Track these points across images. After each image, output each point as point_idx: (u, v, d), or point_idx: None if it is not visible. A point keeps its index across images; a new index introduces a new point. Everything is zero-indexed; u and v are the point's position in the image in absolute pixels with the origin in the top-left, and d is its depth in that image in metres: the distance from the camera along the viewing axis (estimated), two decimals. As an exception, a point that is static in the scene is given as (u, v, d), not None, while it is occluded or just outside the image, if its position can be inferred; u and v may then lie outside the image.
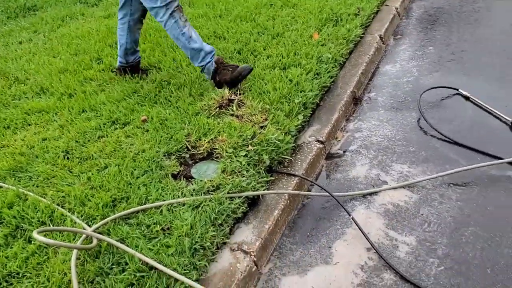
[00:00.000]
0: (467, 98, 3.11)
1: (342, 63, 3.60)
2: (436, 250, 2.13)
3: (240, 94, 3.05)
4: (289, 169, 2.65)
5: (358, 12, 4.13)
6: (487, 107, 2.96)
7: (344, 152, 2.90)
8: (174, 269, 1.99)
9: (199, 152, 2.67)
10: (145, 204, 2.34)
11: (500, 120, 2.86)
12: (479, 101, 3.02)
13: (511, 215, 2.23)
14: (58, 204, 2.38)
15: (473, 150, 2.65)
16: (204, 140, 2.70)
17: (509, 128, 2.79)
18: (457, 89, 3.16)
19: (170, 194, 2.38)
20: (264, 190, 2.46)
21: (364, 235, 2.23)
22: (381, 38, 3.98)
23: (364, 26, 4.06)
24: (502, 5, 4.36)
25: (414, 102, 3.18)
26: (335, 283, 2.07)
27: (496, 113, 2.90)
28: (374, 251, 2.17)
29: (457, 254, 2.09)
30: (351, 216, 2.35)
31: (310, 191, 2.66)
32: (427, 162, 2.65)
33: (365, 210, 2.43)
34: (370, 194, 2.52)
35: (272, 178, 2.56)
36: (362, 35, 3.94)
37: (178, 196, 2.36)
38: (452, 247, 2.13)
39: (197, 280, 2.01)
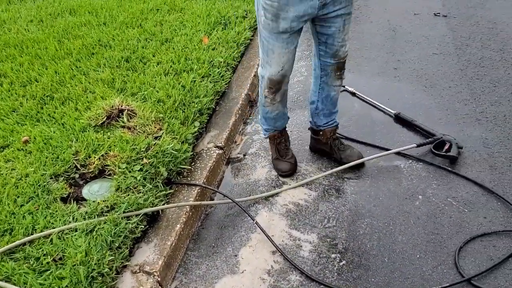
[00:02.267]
0: (353, 94, 3.26)
1: (234, 67, 3.59)
2: (337, 245, 2.19)
3: (130, 104, 2.90)
4: (189, 179, 2.57)
5: (246, 14, 4.15)
6: (372, 101, 3.12)
7: (244, 155, 2.89)
8: (71, 303, 1.83)
9: (90, 170, 2.49)
10: (32, 234, 2.12)
11: (384, 112, 3.03)
12: (364, 96, 3.18)
13: (401, 203, 2.37)
14: None
15: (362, 143, 2.78)
16: (94, 157, 2.52)
17: (393, 120, 2.97)
18: (343, 86, 3.30)
19: (60, 220, 2.18)
20: (163, 204, 2.36)
21: (269, 238, 2.23)
22: (270, 39, 4.04)
23: (253, 28, 4.09)
24: (379, 2, 4.66)
25: (305, 101, 3.26)
26: (243, 292, 2.04)
27: (380, 106, 3.07)
28: (279, 253, 2.18)
29: (356, 246, 2.17)
30: (254, 221, 2.34)
31: (213, 200, 2.61)
32: (322, 159, 2.73)
33: (268, 213, 2.43)
34: (272, 195, 2.53)
35: (172, 191, 2.47)
36: (252, 38, 3.97)
37: (69, 222, 2.18)
38: (351, 240, 2.20)
39: (97, 311, 1.87)
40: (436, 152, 2.59)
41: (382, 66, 3.53)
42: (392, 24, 4.21)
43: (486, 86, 3.14)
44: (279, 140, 2.70)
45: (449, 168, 2.51)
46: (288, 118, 2.73)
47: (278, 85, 2.39)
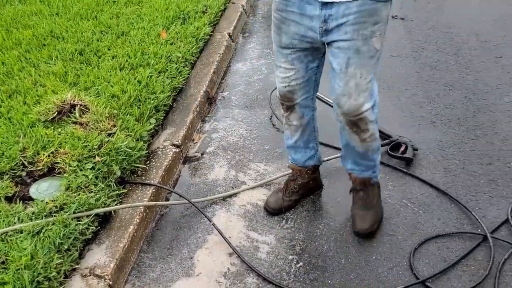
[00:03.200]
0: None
1: (193, 62, 3.51)
2: (294, 247, 2.17)
3: (83, 99, 2.78)
4: (143, 178, 2.49)
5: (206, 9, 4.08)
6: (329, 101, 3.12)
7: (202, 154, 2.83)
8: (13, 310, 1.72)
9: (38, 168, 2.36)
10: (-29, 236, 1.99)
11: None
12: (322, 96, 3.18)
13: (358, 204, 2.38)
14: None
15: (321, 144, 2.77)
16: (43, 154, 2.39)
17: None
18: None
19: (3, 221, 2.05)
20: (116, 204, 2.27)
21: (226, 240, 2.19)
22: (230, 36, 3.98)
23: (213, 24, 4.02)
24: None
25: (266, 100, 3.24)
26: (199, 295, 1.99)
27: None
28: (236, 256, 2.14)
29: (313, 248, 2.16)
30: (211, 223, 2.29)
31: (168, 200, 2.53)
32: (281, 159, 2.70)
33: (225, 214, 2.38)
34: (230, 196, 2.48)
35: (125, 191, 2.38)
36: (211, 33, 3.91)
37: (14, 223, 2.05)
38: (309, 242, 2.19)
39: (42, 318, 1.77)
40: (392, 153, 2.61)
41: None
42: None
43: (441, 89, 3.21)
44: (293, 176, 2.36)
45: (405, 170, 2.54)
46: (318, 159, 2.35)
47: (288, 102, 2.10)
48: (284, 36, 1.89)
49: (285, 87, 2.04)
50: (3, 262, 1.90)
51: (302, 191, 2.38)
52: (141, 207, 2.29)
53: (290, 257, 2.13)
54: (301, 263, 2.10)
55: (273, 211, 2.35)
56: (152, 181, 2.45)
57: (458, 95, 3.13)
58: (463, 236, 2.16)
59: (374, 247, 2.15)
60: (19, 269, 1.85)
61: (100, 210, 2.16)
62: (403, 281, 1.98)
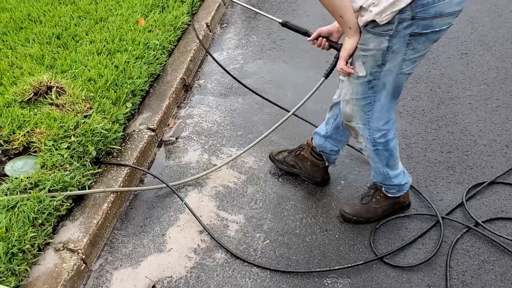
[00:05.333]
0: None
1: (170, 50, 3.58)
2: (262, 226, 2.28)
3: (59, 81, 2.82)
4: (119, 159, 2.55)
5: (185, -1, 4.13)
6: (259, 11, 2.71)
7: (177, 138, 2.90)
8: (-13, 279, 1.78)
9: (14, 147, 2.40)
10: None
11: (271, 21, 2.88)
12: (248, 6, 2.91)
13: (324, 187, 2.49)
14: None
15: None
16: (19, 134, 2.44)
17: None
18: None
19: (-22, 196, 2.10)
20: (91, 183, 2.33)
21: (197, 218, 2.28)
22: (208, 26, 4.05)
23: (191, 14, 4.08)
24: (315, -1, 4.79)
25: (240, 89, 3.32)
26: (169, 269, 2.08)
27: (267, 15, 2.50)
28: (207, 233, 2.23)
29: (280, 226, 2.27)
30: (183, 202, 2.37)
31: (143, 181, 2.60)
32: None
33: (197, 194, 2.47)
34: (202, 178, 2.57)
35: (100, 170, 2.44)
36: (189, 23, 3.97)
37: (-11, 198, 2.10)
38: (276, 221, 2.30)
39: (17, 287, 1.83)
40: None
41: (315, 58, 3.65)
42: (327, 19, 4.36)
43: (408, 82, 3.35)
44: (303, 146, 2.53)
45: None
46: (327, 154, 2.39)
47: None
48: None
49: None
50: (-22, 235, 1.95)
51: (298, 162, 2.51)
52: (115, 186, 2.36)
53: (258, 235, 2.23)
54: (268, 241, 2.20)
55: (270, 157, 2.60)
56: (127, 162, 2.52)
57: (424, 88, 3.27)
58: (421, 218, 2.29)
59: (337, 226, 2.27)
60: (-6, 241, 1.90)
61: (74, 193, 2.21)
62: (363, 257, 2.11)
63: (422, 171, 2.56)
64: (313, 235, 2.23)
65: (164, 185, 2.47)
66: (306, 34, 2.14)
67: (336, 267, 2.06)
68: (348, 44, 1.83)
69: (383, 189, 2.27)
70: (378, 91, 1.90)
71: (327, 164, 2.46)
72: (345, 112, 2.04)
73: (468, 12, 4.22)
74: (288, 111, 2.59)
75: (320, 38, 2.07)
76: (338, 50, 1.95)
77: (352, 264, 2.06)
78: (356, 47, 1.81)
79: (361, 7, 1.71)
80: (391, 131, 2.07)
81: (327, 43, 2.07)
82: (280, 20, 2.22)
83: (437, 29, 1.71)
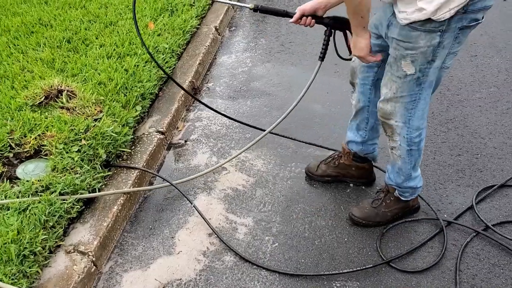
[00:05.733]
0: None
1: (179, 54, 3.60)
2: (271, 229, 2.28)
3: (70, 85, 2.85)
4: (128, 162, 2.57)
5: (194, 3, 4.16)
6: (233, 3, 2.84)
7: (186, 141, 2.92)
8: (0, 280, 1.80)
9: (25, 150, 2.43)
10: (-41, 212, 2.06)
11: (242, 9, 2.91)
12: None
13: (333, 190, 2.49)
14: None
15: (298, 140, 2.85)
16: (30, 137, 2.46)
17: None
18: None
19: (-9, 198, 2.13)
20: (101, 185, 2.35)
21: (206, 221, 2.29)
22: (216, 29, 4.07)
23: (200, 17, 4.11)
24: None
25: (249, 92, 3.33)
26: (178, 272, 2.09)
27: (238, 4, 2.62)
28: (215, 236, 2.24)
29: (289, 230, 2.27)
30: (192, 204, 2.38)
31: (152, 183, 2.62)
32: (261, 147, 2.81)
33: (206, 197, 2.48)
34: (211, 180, 2.58)
35: (110, 173, 2.46)
36: (198, 26, 3.99)
37: (1, 200, 2.13)
38: (285, 224, 2.30)
39: (28, 289, 1.86)
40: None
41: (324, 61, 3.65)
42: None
43: (417, 85, 3.34)
44: (340, 153, 2.50)
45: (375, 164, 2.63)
46: (364, 152, 2.39)
47: (350, 77, 2.28)
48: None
49: (353, 61, 2.18)
50: (-10, 237, 1.97)
51: (341, 171, 2.48)
52: (125, 188, 2.37)
53: (267, 238, 2.24)
54: (276, 244, 2.21)
55: (309, 174, 2.55)
56: (137, 165, 2.53)
57: (433, 90, 3.26)
58: (430, 221, 2.28)
59: (346, 230, 2.27)
60: (5, 243, 1.93)
61: (84, 196, 2.23)
62: (371, 260, 2.10)
63: (431, 174, 2.55)
64: (322, 238, 2.23)
65: (173, 186, 2.47)
66: (287, 15, 2.08)
67: (345, 270, 2.06)
68: (363, 43, 1.88)
69: (396, 192, 2.25)
70: (425, 88, 1.90)
71: (373, 163, 2.48)
72: (385, 111, 2.00)
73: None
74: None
75: (305, 18, 2.05)
76: (329, 26, 1.98)
77: (361, 268, 2.06)
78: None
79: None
80: (425, 130, 2.08)
81: (313, 20, 2.06)
82: (251, 6, 2.14)
83: (480, 21, 1.76)
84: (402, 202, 2.27)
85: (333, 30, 2.07)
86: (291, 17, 2.07)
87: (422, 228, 2.26)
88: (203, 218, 2.30)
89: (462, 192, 2.43)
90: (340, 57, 2.13)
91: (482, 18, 1.76)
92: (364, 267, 2.06)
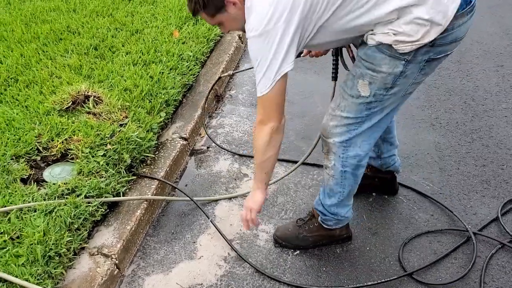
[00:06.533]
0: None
1: (203, 61, 3.64)
2: (292, 236, 2.28)
3: (96, 91, 2.91)
4: (152, 167, 2.61)
5: (218, 11, 4.21)
6: None
7: (208, 148, 2.95)
8: (26, 280, 1.84)
9: (52, 153, 2.49)
10: (-11, 213, 2.12)
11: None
12: None
13: (355, 199, 2.42)
14: None
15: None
16: (57, 141, 2.52)
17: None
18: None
19: (19, 200, 2.19)
20: (125, 190, 2.39)
21: (222, 236, 2.27)
22: (240, 38, 4.11)
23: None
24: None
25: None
26: (199, 277, 2.10)
27: None
28: (237, 241, 2.25)
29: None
30: (210, 219, 2.34)
31: (175, 189, 2.64)
32: (284, 154, 2.81)
33: (227, 203, 2.50)
34: (233, 186, 2.60)
35: (134, 178, 2.50)
36: (221, 34, 4.03)
37: (29, 202, 2.18)
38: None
39: (53, 290, 1.90)
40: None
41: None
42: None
43: (442, 94, 3.31)
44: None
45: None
46: (380, 163, 2.34)
47: None
48: None
49: None
50: (18, 237, 2.02)
51: (364, 181, 2.14)
52: (148, 194, 2.41)
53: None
54: (297, 252, 2.20)
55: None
56: (159, 170, 2.57)
57: (458, 100, 3.22)
58: (453, 233, 2.25)
59: (368, 238, 2.25)
60: (32, 244, 1.97)
61: (108, 200, 2.27)
62: (394, 271, 2.08)
63: (455, 185, 2.52)
64: (344, 246, 2.21)
65: (194, 202, 2.45)
66: (298, 55, 2.04)
67: (369, 283, 2.03)
68: (260, 197, 1.91)
69: (319, 218, 2.13)
70: (373, 114, 1.79)
71: (395, 174, 2.44)
72: (325, 127, 1.88)
73: (504, 24, 4.15)
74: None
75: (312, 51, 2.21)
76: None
77: (385, 280, 2.02)
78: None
79: (375, 24, 1.62)
80: (366, 157, 1.92)
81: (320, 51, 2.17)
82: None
83: (449, 53, 1.69)
84: (326, 230, 2.15)
85: (339, 49, 2.07)
86: (300, 54, 2.21)
87: (446, 238, 2.23)
88: (220, 233, 2.26)
89: (487, 203, 2.39)
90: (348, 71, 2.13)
91: (454, 50, 1.70)
92: (387, 279, 2.02)
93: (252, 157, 2.76)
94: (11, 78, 3.13)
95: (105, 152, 2.46)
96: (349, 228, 2.22)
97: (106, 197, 2.28)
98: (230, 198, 2.53)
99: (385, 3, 1.56)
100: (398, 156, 2.36)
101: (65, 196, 2.22)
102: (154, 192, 2.44)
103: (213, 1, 1.71)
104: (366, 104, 1.76)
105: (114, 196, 2.32)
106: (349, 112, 1.80)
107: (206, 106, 3.18)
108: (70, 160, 2.47)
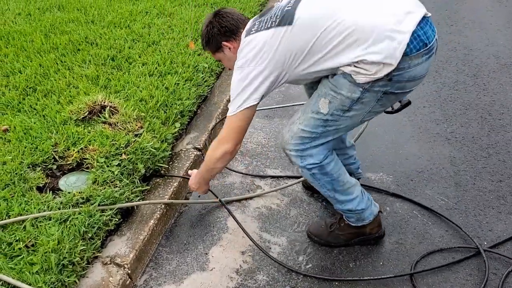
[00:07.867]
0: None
1: (218, 73, 3.67)
2: (306, 249, 2.27)
3: (112, 101, 2.95)
4: (166, 177, 2.62)
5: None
6: None
7: (221, 159, 2.95)
8: (39, 288, 1.87)
9: (68, 162, 2.52)
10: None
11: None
12: None
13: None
14: None
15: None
16: (73, 150, 2.56)
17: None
18: None
19: (34, 208, 2.21)
20: (139, 200, 2.41)
21: (245, 232, 2.29)
22: (255, 49, 4.13)
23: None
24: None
25: (285, 111, 3.36)
26: (211, 288, 2.10)
27: None
28: (249, 254, 2.25)
29: (323, 251, 2.25)
30: (230, 214, 2.39)
31: (187, 199, 2.66)
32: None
33: (240, 215, 2.50)
34: (245, 199, 2.60)
35: (148, 187, 2.52)
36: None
37: (44, 210, 2.21)
38: (319, 245, 2.28)
39: (66, 298, 1.91)
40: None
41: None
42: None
43: (458, 108, 3.28)
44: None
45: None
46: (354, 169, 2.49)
47: None
48: None
49: None
50: (32, 245, 2.05)
51: None
52: (162, 204, 2.42)
53: (300, 258, 2.22)
54: (310, 265, 2.19)
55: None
56: (174, 179, 2.58)
57: (473, 114, 3.19)
58: (468, 250, 2.21)
59: (382, 253, 2.23)
60: (46, 252, 1.99)
61: (123, 205, 2.30)
62: (407, 286, 2.05)
63: (471, 200, 2.48)
64: (357, 261, 2.19)
65: (222, 203, 2.50)
66: None
67: (380, 296, 2.01)
68: (204, 188, 2.36)
69: (344, 216, 2.20)
70: (328, 132, 1.94)
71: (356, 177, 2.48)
72: (283, 138, 2.03)
73: (522, 38, 4.11)
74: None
75: None
76: None
77: (397, 294, 2.01)
78: None
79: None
80: (327, 159, 2.01)
81: None
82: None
83: (407, 91, 1.82)
84: (355, 228, 2.20)
85: None
86: None
87: (460, 256, 2.19)
88: (242, 229, 2.30)
89: (503, 220, 2.35)
90: None
91: (414, 88, 1.83)
92: (400, 294, 2.01)
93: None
94: (29, 88, 3.19)
95: (120, 162, 2.49)
96: (381, 226, 2.25)
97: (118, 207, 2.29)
98: (252, 198, 2.60)
99: (340, 55, 1.75)
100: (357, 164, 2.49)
101: (80, 205, 2.25)
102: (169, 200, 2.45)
103: (213, 43, 2.08)
104: (323, 121, 1.91)
105: (127, 207, 2.34)
106: (306, 126, 1.94)
107: (221, 117, 3.20)
108: (86, 169, 2.50)
